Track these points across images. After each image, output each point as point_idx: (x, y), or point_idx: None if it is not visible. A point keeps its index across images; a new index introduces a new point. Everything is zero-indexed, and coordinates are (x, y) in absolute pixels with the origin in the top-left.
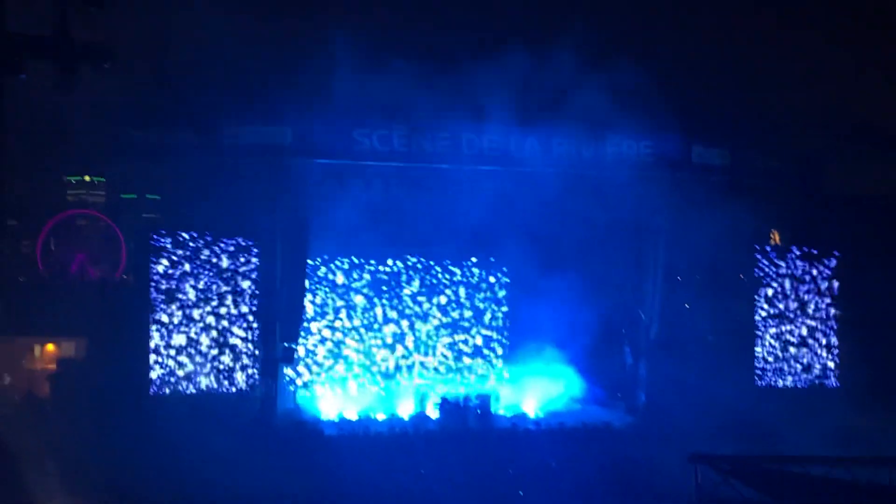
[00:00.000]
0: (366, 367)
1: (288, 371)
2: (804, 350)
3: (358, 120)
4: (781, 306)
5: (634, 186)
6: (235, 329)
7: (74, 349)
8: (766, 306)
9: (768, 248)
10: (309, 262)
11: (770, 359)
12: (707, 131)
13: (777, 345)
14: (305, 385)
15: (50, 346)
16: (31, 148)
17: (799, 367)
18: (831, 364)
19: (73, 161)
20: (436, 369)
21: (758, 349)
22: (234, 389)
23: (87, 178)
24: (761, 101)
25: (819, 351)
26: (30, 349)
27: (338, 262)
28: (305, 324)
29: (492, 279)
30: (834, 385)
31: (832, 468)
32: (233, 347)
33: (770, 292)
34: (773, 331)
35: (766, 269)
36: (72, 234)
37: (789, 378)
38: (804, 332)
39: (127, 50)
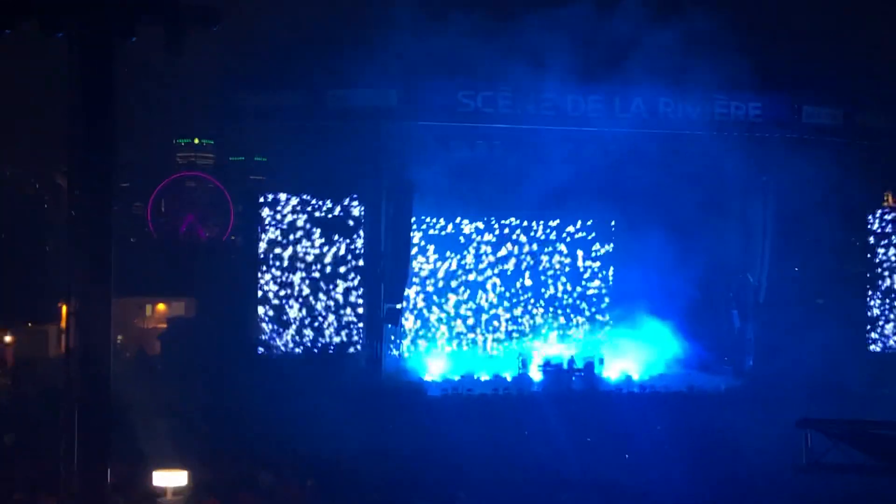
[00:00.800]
0: (470, 329)
1: (392, 331)
2: None
3: (462, 81)
4: (894, 268)
5: (744, 147)
6: (340, 289)
7: (184, 308)
8: (878, 269)
9: (881, 209)
10: (413, 222)
11: (882, 322)
12: (818, 91)
13: (889, 308)
14: (410, 345)
15: (160, 306)
16: (141, 112)
17: None
18: None
19: (183, 124)
20: (540, 331)
21: (869, 312)
22: (339, 349)
23: (196, 141)
24: (872, 58)
25: None
26: (141, 308)
27: (441, 223)
28: (410, 285)
29: (597, 241)
30: None
31: None
32: (338, 307)
33: (883, 254)
34: (885, 294)
35: (879, 231)
36: (181, 195)
37: None
38: None
39: (235, 13)
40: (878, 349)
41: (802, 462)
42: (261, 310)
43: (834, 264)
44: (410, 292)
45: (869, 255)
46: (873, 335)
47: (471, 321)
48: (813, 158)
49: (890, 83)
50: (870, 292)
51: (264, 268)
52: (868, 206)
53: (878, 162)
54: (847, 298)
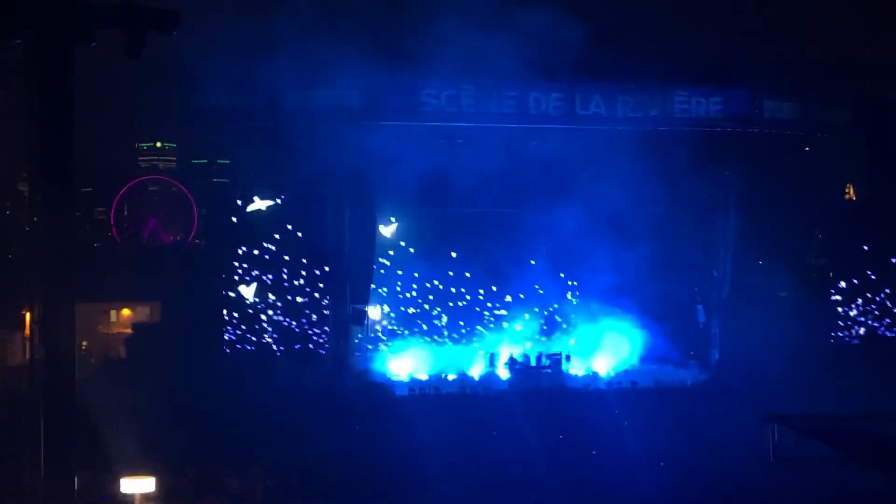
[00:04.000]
0: (436, 327)
1: (358, 331)
2: (882, 305)
3: (425, 81)
4: (858, 261)
5: (705, 142)
6: (307, 290)
7: (149, 313)
8: (841, 261)
9: (843, 202)
10: (378, 223)
11: (846, 314)
12: (778, 85)
13: (853, 300)
14: (376, 345)
15: (125, 311)
16: (103, 115)
17: (876, 322)
18: None
19: (145, 128)
20: (507, 329)
21: (833, 305)
22: (306, 350)
23: (158, 144)
24: (832, 52)
25: None
26: (105, 314)
27: (407, 222)
28: (375, 285)
29: (561, 237)
30: None
31: None
32: (304, 308)
33: (845, 246)
34: (848, 286)
35: (841, 224)
36: (144, 199)
37: (866, 334)
38: (882, 286)
39: (195, 16)
40: (842, 340)
41: (769, 457)
42: (226, 312)
43: (797, 257)
44: (376, 292)
45: (831, 247)
46: (838, 327)
47: (437, 320)
48: (774, 152)
49: (847, 77)
50: (833, 284)
51: (229, 270)
52: (829, 199)
53: (838, 155)
54: (811, 290)
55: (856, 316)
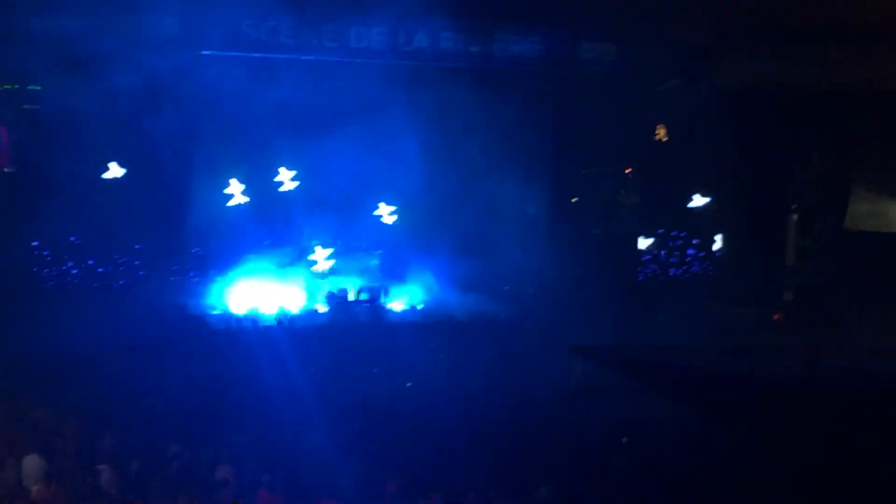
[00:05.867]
0: (255, 261)
1: (177, 263)
2: (688, 243)
3: (246, 11)
4: (667, 200)
5: (521, 82)
6: (124, 221)
7: None
8: (652, 200)
9: (654, 143)
10: (196, 153)
11: (654, 252)
12: (595, 26)
13: (661, 238)
14: (193, 278)
15: None
16: None
17: (683, 260)
18: (714, 256)
19: None
20: (325, 264)
21: (642, 243)
22: (121, 282)
23: None
24: None
25: (702, 244)
26: None
27: (226, 155)
28: (194, 217)
29: (378, 175)
30: (715, 276)
31: (707, 357)
32: (121, 240)
33: (655, 186)
34: (657, 224)
35: (653, 164)
36: None
37: (672, 270)
38: (689, 225)
39: None
40: (650, 277)
41: (571, 387)
42: (40, 242)
43: (611, 196)
44: (195, 224)
45: (642, 187)
46: (646, 264)
47: (257, 254)
48: (590, 93)
49: (665, 17)
50: (643, 223)
51: (42, 199)
52: (643, 138)
53: (652, 97)
54: (622, 229)
55: (662, 253)
